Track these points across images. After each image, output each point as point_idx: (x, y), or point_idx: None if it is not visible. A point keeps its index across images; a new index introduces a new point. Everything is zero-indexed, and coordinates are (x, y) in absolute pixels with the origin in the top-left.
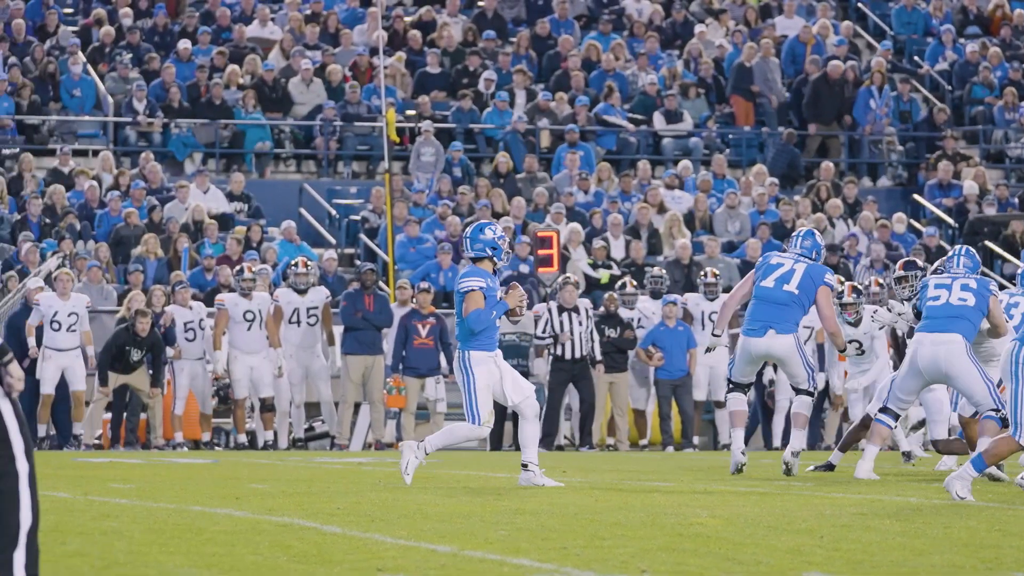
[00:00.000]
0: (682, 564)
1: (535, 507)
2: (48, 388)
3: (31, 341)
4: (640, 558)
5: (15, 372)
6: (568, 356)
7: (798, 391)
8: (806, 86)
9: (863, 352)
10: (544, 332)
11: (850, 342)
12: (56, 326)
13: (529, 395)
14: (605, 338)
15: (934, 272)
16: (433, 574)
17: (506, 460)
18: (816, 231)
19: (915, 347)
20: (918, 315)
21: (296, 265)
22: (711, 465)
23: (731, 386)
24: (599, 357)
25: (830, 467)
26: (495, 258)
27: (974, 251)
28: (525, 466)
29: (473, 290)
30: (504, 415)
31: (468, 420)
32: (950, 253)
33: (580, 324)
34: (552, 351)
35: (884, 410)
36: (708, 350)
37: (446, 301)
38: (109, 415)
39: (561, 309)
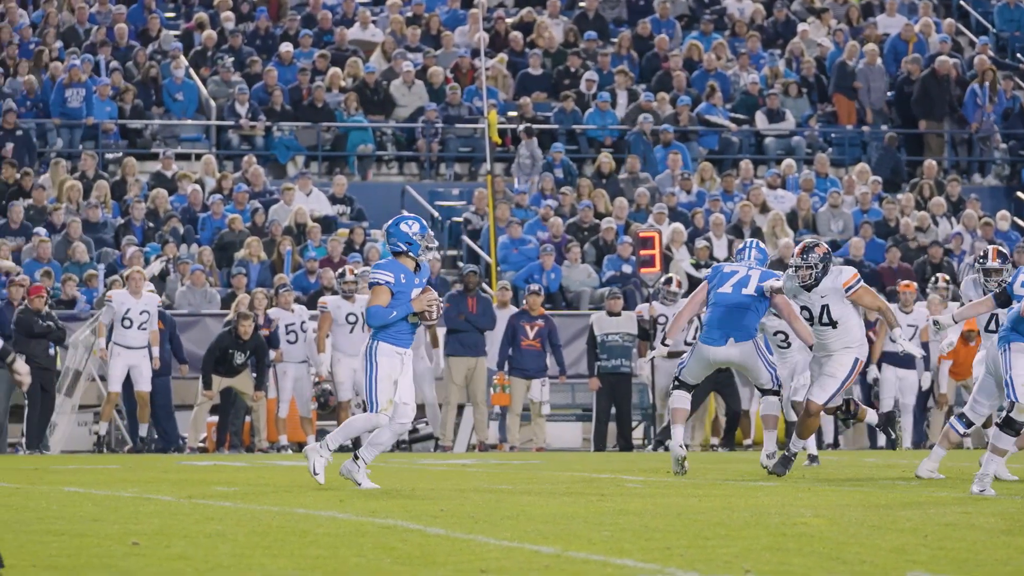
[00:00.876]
0: (786, 564)
1: (638, 508)
2: (115, 386)
3: (100, 342)
4: (744, 558)
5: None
6: None
7: (764, 391)
8: (909, 85)
9: (788, 345)
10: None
11: (775, 333)
12: (127, 323)
13: (408, 409)
14: None
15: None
16: (536, 575)
17: (609, 461)
18: (762, 242)
19: (987, 348)
20: (1004, 302)
21: None
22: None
23: (677, 383)
24: None
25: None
26: (411, 254)
27: None
28: (356, 458)
29: (378, 284)
30: (607, 415)
31: (368, 409)
32: None
33: None
34: None
35: (960, 416)
36: (652, 359)
37: (548, 302)
38: (214, 418)
39: None
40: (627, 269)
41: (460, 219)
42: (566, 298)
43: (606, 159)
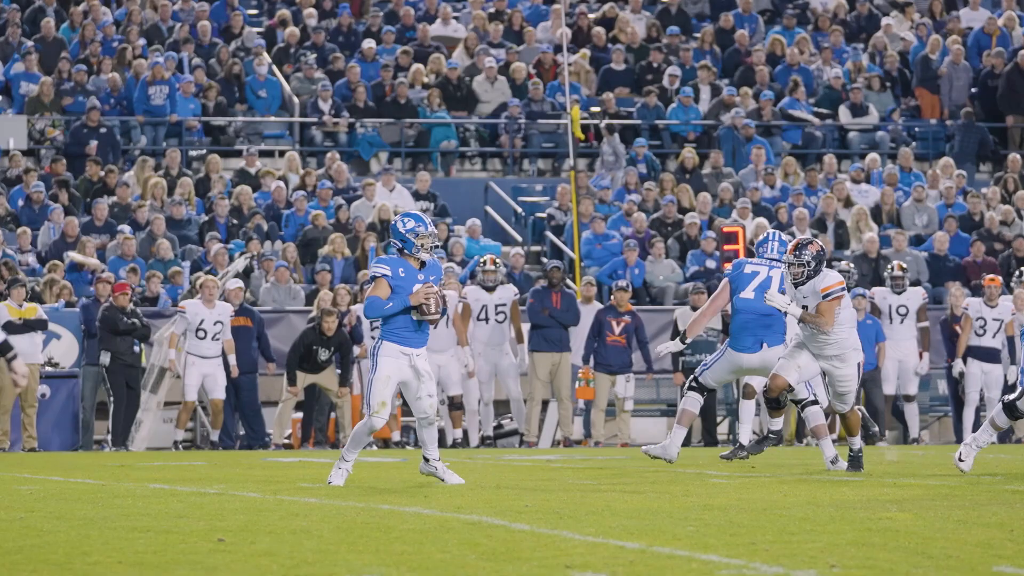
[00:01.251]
0: (871, 559)
1: (723, 503)
2: (191, 395)
3: (172, 353)
4: (829, 553)
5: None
6: None
7: (796, 402)
8: (992, 79)
9: None
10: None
11: None
12: (201, 334)
13: (431, 402)
14: None
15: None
16: (622, 571)
17: (695, 456)
18: (783, 234)
19: None
20: None
21: (484, 263)
22: (901, 459)
23: (695, 384)
24: None
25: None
26: (405, 250)
27: None
28: (427, 460)
29: (376, 276)
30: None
31: (364, 411)
32: None
33: None
34: None
35: None
36: (669, 352)
37: (632, 298)
38: (299, 415)
39: None
40: (711, 264)
41: (543, 215)
42: (650, 293)
43: (689, 154)
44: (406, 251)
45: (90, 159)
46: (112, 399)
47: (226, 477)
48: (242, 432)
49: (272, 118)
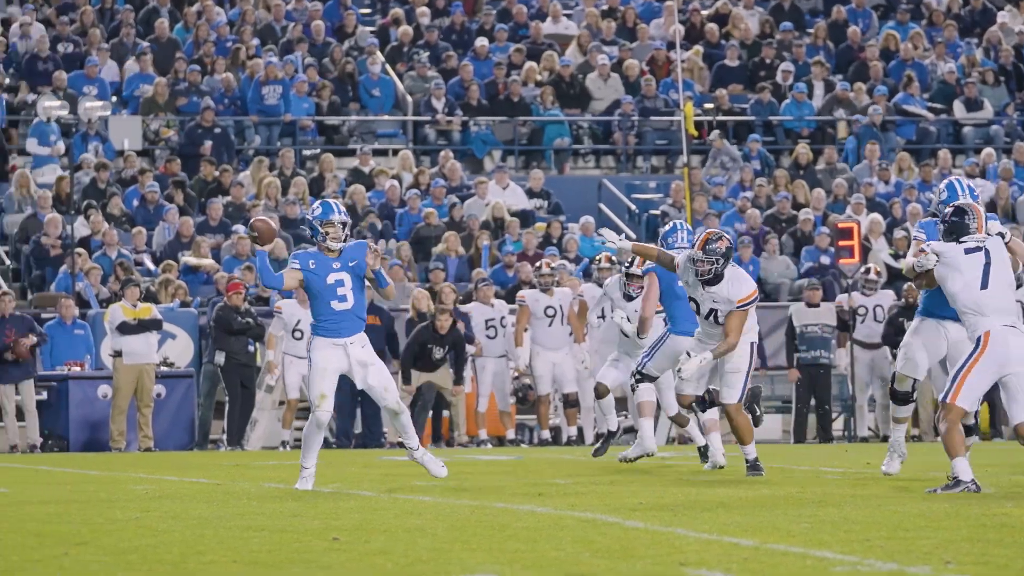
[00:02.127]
0: (986, 555)
1: (837, 499)
2: (293, 393)
3: (270, 353)
4: (944, 549)
5: None
6: None
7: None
8: None
9: None
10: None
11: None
12: (298, 335)
13: (387, 392)
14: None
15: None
16: (736, 568)
17: (809, 452)
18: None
19: None
20: None
21: (599, 260)
22: (1017, 455)
23: (640, 377)
24: None
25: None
26: (315, 239)
27: None
28: (408, 448)
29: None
30: (807, 406)
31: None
32: None
33: None
34: None
35: None
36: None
37: None
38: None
39: None
40: (825, 260)
41: (657, 212)
42: (764, 289)
43: (803, 150)
44: (315, 238)
45: (204, 159)
46: (228, 398)
47: (341, 476)
48: (358, 431)
49: (385, 117)
